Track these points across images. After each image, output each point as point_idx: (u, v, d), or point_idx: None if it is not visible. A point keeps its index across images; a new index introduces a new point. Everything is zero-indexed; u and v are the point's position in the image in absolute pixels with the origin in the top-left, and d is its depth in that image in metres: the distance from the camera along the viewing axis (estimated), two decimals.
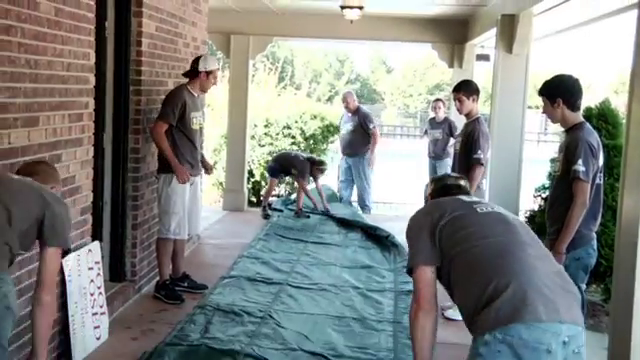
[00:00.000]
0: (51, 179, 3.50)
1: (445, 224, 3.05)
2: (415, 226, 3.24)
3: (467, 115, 6.30)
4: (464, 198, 3.28)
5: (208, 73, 6.92)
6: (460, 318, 6.61)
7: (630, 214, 3.82)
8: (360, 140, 11.74)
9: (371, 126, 12.13)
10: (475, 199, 3.25)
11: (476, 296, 2.81)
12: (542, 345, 2.63)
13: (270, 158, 13.38)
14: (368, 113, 12.78)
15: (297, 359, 5.48)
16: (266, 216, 11.50)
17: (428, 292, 3.00)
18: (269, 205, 11.98)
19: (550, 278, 2.81)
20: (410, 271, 3.30)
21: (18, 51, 4.39)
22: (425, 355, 3.21)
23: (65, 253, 3.47)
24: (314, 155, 12.75)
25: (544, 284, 2.75)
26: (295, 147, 13.88)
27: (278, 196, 13.66)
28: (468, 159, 5.79)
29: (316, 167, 11.23)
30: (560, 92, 4.91)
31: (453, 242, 3.01)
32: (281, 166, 11.47)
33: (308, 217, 11.34)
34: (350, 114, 12.28)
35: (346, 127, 12.11)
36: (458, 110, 6.49)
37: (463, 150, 5.99)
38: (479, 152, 5.56)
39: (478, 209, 3.10)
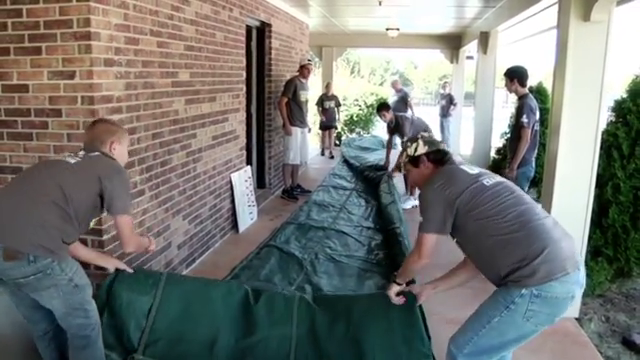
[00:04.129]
0: (108, 135, 2.60)
1: (464, 201, 2.29)
2: (433, 199, 2.37)
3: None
4: (468, 170, 2.46)
5: (302, 67, 7.10)
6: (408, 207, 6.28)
7: (552, 148, 3.73)
8: (402, 108, 11.14)
9: (409, 99, 12.02)
10: (476, 170, 2.47)
11: (517, 256, 2.15)
12: (569, 293, 2.16)
13: (345, 120, 13.50)
14: (406, 91, 12.67)
15: (360, 233, 5.52)
16: None
17: (431, 251, 2.38)
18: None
19: (559, 230, 2.26)
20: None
21: (205, 60, 4.58)
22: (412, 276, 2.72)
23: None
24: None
25: (560, 238, 2.21)
26: (360, 112, 13.90)
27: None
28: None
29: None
30: (516, 74, 4.87)
31: (475, 215, 2.27)
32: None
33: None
34: (395, 91, 12.19)
35: (393, 99, 11.78)
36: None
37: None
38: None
39: (485, 182, 2.35)
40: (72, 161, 2.46)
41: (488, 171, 2.54)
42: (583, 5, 3.42)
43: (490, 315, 2.22)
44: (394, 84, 12.61)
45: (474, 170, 2.47)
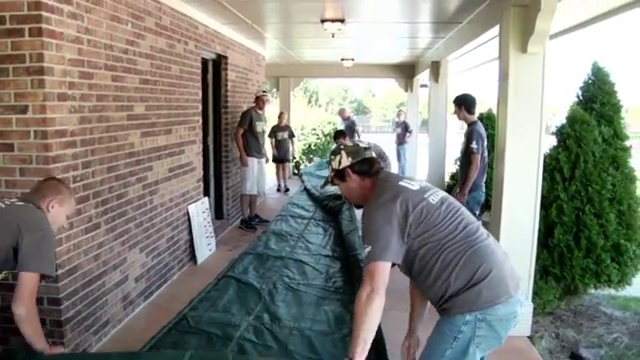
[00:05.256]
0: (52, 192, 2.48)
1: (412, 223, 2.10)
2: (383, 218, 2.11)
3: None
4: (410, 187, 2.22)
5: (257, 98, 7.22)
6: None
7: (499, 172, 3.89)
8: (349, 135, 11.01)
9: (356, 127, 12.18)
10: (416, 186, 2.24)
11: (463, 279, 2.05)
12: (512, 314, 2.09)
13: (303, 149, 13.63)
14: (354, 119, 12.82)
15: (318, 261, 5.56)
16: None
17: (385, 281, 2.06)
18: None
19: (500, 251, 2.19)
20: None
21: (161, 93, 4.61)
22: (372, 337, 2.07)
23: (44, 277, 2.43)
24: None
25: (503, 260, 2.14)
26: (318, 141, 14.04)
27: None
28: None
29: None
30: (463, 102, 5.00)
31: (424, 238, 2.11)
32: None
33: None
34: (342, 120, 12.36)
35: (341, 127, 11.65)
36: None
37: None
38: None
39: (431, 200, 2.16)
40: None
41: (427, 184, 2.36)
42: (520, 39, 3.67)
43: (441, 349, 2.10)
44: (341, 112, 12.83)
45: (414, 185, 2.25)
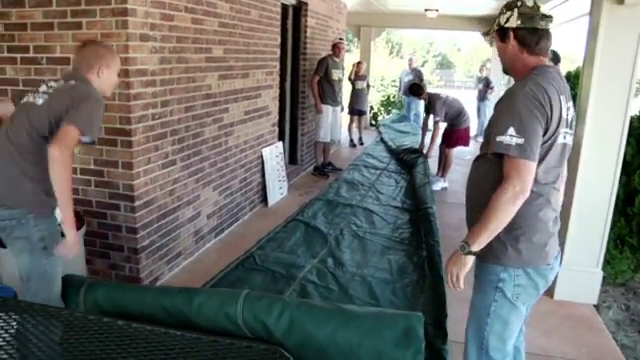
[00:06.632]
0: (97, 59, 2.42)
1: (546, 137, 1.82)
2: (536, 112, 1.76)
3: None
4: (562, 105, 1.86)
5: (334, 45, 7.17)
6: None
7: (578, 133, 3.54)
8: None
9: (423, 78, 11.57)
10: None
11: (518, 224, 1.85)
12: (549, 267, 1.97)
13: (382, 101, 13.21)
14: (421, 70, 12.35)
15: (387, 211, 5.60)
16: None
17: (532, 181, 1.78)
18: None
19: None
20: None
21: (239, 37, 4.66)
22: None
23: (84, 142, 2.36)
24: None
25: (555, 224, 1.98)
26: (397, 93, 13.60)
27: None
28: None
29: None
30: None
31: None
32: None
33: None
34: (410, 70, 11.89)
35: (408, 78, 11.44)
36: None
37: None
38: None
39: (563, 132, 1.88)
40: (39, 102, 2.34)
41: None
42: None
43: (485, 306, 1.99)
44: (410, 62, 12.27)
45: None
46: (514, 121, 1.76)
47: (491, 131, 1.84)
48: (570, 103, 1.91)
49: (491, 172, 1.88)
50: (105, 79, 2.48)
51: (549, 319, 3.50)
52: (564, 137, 1.89)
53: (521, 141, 1.74)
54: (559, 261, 2.06)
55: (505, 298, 1.95)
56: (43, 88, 2.40)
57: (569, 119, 1.91)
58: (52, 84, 2.41)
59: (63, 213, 2.28)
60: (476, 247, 1.84)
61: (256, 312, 2.31)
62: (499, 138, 1.77)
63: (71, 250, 2.35)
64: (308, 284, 3.79)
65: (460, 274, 1.90)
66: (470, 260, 1.88)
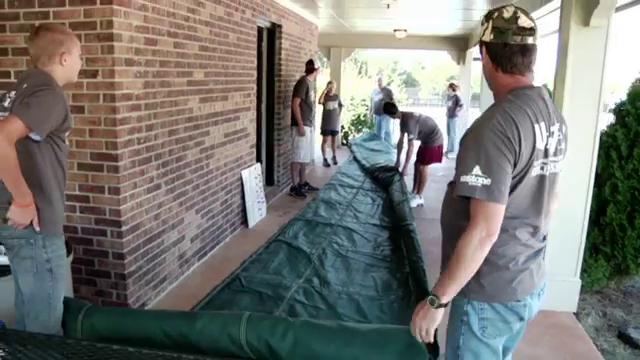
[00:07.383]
0: (54, 48, 2.30)
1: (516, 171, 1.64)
2: (500, 147, 1.58)
3: None
4: (540, 136, 1.69)
5: (316, 69, 7.23)
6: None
7: None
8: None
9: (393, 96, 11.92)
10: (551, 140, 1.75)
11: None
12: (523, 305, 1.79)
13: (352, 120, 13.43)
14: (389, 89, 12.60)
15: (367, 229, 5.65)
16: None
17: (500, 225, 1.62)
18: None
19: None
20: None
21: (219, 60, 4.71)
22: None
23: (29, 137, 2.17)
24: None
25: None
26: (368, 112, 13.80)
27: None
28: None
29: None
30: None
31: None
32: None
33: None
34: (379, 89, 12.13)
35: (378, 97, 11.75)
36: None
37: None
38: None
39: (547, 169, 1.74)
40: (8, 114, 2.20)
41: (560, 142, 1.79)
42: (583, 11, 3.54)
43: (455, 338, 1.85)
44: (380, 82, 12.52)
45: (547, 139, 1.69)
46: (480, 159, 1.59)
47: (457, 169, 1.67)
48: (556, 127, 1.73)
49: (461, 204, 1.70)
50: (69, 66, 2.37)
51: (533, 328, 3.56)
52: (541, 168, 1.70)
53: (488, 182, 1.58)
54: (541, 298, 1.87)
55: (471, 331, 1.80)
56: (7, 102, 2.29)
57: (550, 147, 1.71)
58: (12, 94, 2.28)
59: (15, 189, 2.17)
60: (446, 299, 1.70)
61: (259, 332, 2.32)
62: (463, 178, 1.61)
63: (17, 215, 2.22)
64: (296, 304, 3.80)
65: (430, 329, 1.76)
66: (440, 313, 1.73)
